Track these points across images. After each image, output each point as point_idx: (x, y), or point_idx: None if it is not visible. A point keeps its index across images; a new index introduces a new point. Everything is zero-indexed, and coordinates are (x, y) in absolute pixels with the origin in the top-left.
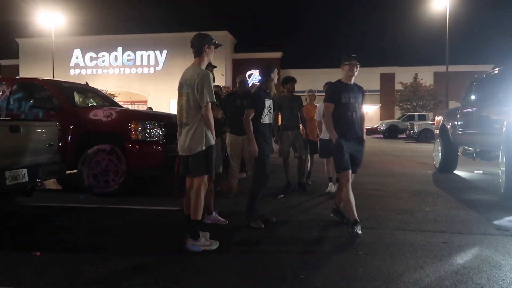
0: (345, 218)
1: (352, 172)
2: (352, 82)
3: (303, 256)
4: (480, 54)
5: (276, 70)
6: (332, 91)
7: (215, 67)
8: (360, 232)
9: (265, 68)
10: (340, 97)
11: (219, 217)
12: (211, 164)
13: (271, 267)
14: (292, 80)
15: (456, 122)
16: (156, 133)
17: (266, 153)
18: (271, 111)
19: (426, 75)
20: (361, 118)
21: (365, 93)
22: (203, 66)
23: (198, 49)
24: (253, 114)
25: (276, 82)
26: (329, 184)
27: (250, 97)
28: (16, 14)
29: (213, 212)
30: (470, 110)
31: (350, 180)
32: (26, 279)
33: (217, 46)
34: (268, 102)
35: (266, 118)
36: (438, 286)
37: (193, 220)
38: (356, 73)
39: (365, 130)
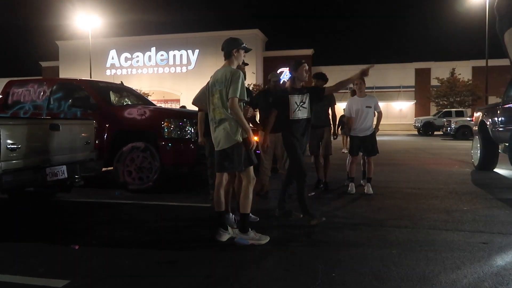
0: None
1: None
2: None
3: (336, 254)
4: None
5: (303, 66)
6: None
7: (247, 64)
8: None
9: (292, 65)
10: None
11: (251, 215)
12: (249, 156)
13: (303, 265)
14: (317, 77)
15: (496, 118)
16: (188, 131)
17: (297, 149)
18: (305, 105)
19: (464, 70)
20: None
21: (399, 90)
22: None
23: (227, 52)
24: (275, 112)
25: (305, 78)
26: (350, 184)
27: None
28: (56, 18)
29: (229, 213)
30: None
31: None
32: (64, 270)
33: (247, 50)
34: (296, 98)
35: (299, 114)
36: (477, 287)
37: (241, 213)
38: None
39: None
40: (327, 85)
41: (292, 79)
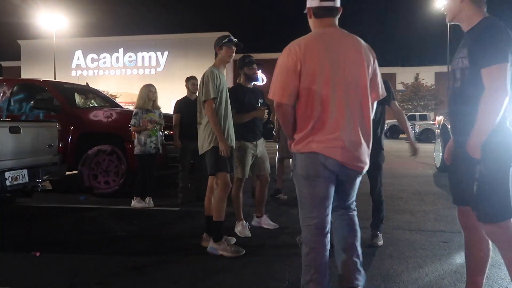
0: None
1: None
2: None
3: None
4: None
5: None
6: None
7: (254, 62)
8: None
9: None
10: None
11: (270, 221)
12: (226, 162)
13: (271, 268)
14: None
15: None
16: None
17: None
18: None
19: (427, 75)
20: None
21: None
22: (219, 67)
23: (215, 50)
24: None
25: None
26: None
27: None
28: (18, 16)
29: (264, 215)
30: None
31: None
32: (26, 279)
33: (236, 45)
34: None
35: None
36: (437, 285)
37: (215, 221)
38: None
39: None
40: None
41: None
